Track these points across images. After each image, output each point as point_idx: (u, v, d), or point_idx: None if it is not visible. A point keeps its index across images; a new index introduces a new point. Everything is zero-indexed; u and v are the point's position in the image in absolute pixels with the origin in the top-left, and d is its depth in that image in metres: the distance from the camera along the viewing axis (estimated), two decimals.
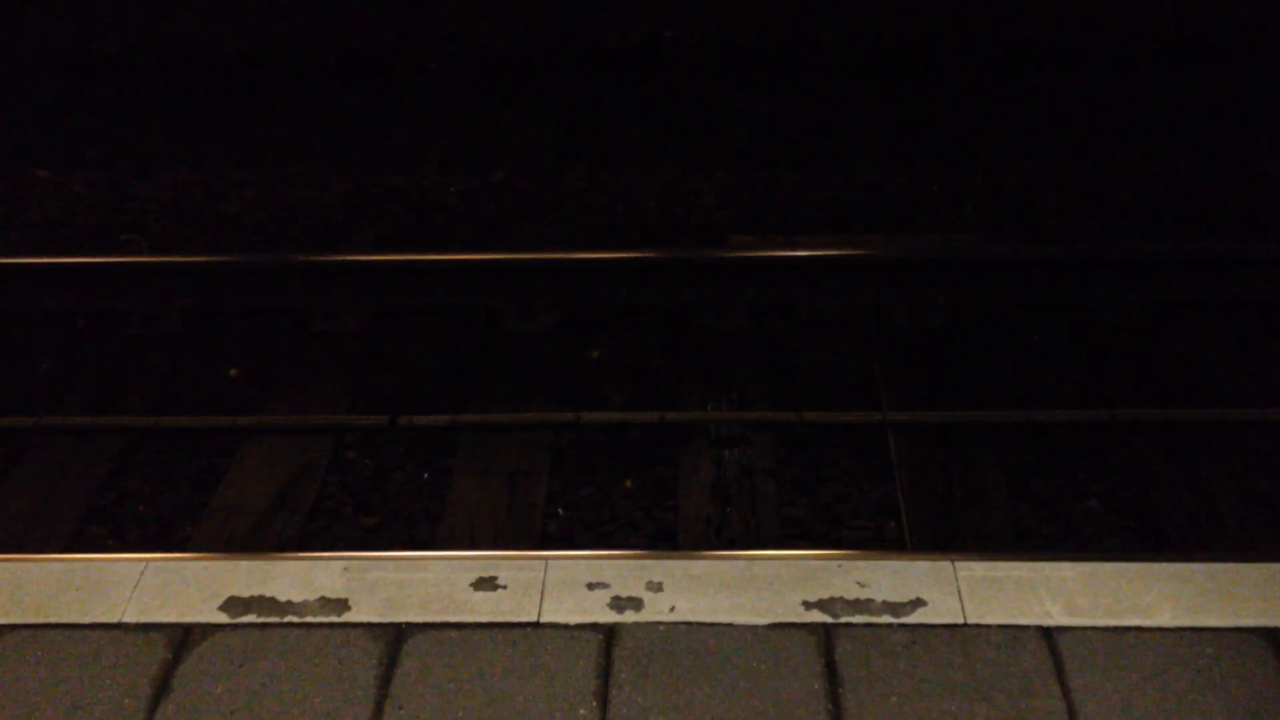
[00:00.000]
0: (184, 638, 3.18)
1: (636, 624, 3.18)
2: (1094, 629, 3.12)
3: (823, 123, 6.85)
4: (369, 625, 3.20)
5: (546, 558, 3.40)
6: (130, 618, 3.24)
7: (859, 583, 3.27)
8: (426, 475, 4.67)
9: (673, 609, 3.22)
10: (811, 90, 7.09)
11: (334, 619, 3.21)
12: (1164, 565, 3.30)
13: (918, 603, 3.21)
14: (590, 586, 3.30)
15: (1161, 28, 7.14)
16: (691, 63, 7.25)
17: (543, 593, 3.28)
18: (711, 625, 3.17)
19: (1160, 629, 3.11)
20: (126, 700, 3.02)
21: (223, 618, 3.23)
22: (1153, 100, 6.88)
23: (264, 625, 3.20)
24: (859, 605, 3.21)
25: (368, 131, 6.92)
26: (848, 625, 3.15)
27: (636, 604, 3.23)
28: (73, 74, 7.39)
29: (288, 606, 3.26)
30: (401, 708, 2.98)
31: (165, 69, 7.36)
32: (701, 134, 6.79)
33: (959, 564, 3.32)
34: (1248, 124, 6.68)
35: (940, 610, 3.19)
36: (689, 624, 3.17)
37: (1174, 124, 6.69)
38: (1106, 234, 5.83)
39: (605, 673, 3.05)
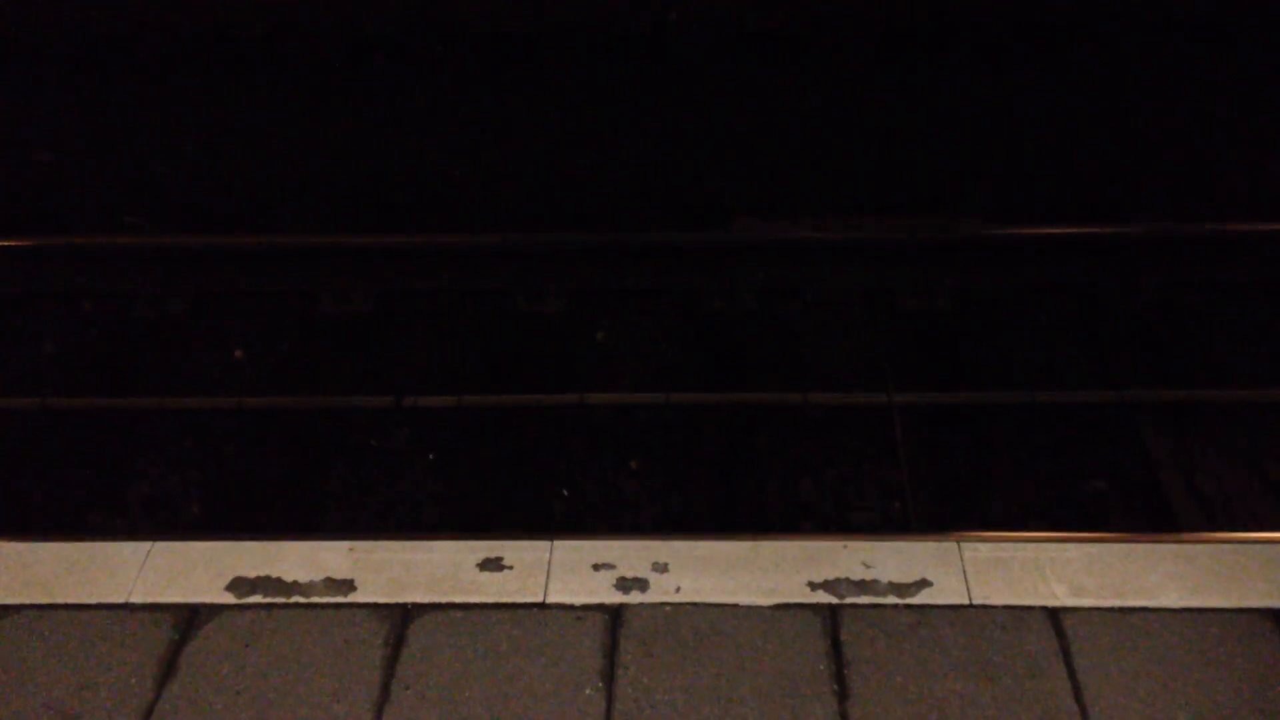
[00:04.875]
0: (190, 618, 3.18)
1: (642, 604, 3.18)
2: (1099, 610, 3.11)
3: (828, 104, 6.81)
4: (375, 606, 3.20)
5: (552, 539, 3.40)
6: (137, 598, 3.24)
7: (864, 563, 3.27)
8: (432, 456, 4.67)
9: (678, 589, 3.22)
10: (816, 72, 7.05)
11: (340, 599, 3.22)
12: (1170, 546, 3.29)
13: (923, 583, 3.21)
14: (596, 567, 3.30)
15: (1171, 9, 7.09)
16: (697, 44, 7.21)
17: (549, 573, 3.28)
18: (717, 606, 3.17)
19: (1166, 610, 3.11)
20: (133, 679, 3.02)
21: (229, 598, 3.23)
22: (1161, 81, 6.84)
23: (270, 605, 3.21)
24: (864, 586, 3.21)
25: (374, 113, 6.89)
26: (853, 606, 3.15)
27: (642, 585, 3.24)
28: (77, 56, 7.37)
29: (294, 587, 3.26)
30: (408, 687, 2.98)
31: (171, 51, 7.33)
32: (707, 116, 6.76)
33: (964, 544, 3.32)
34: (1257, 105, 6.63)
35: (945, 591, 3.18)
36: (695, 604, 3.17)
37: (1182, 105, 6.64)
38: (1114, 216, 5.80)
39: (611, 653, 3.05)
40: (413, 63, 7.24)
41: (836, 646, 3.04)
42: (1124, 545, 3.31)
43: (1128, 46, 7.04)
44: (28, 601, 3.24)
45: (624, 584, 3.24)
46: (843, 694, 2.93)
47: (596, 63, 7.17)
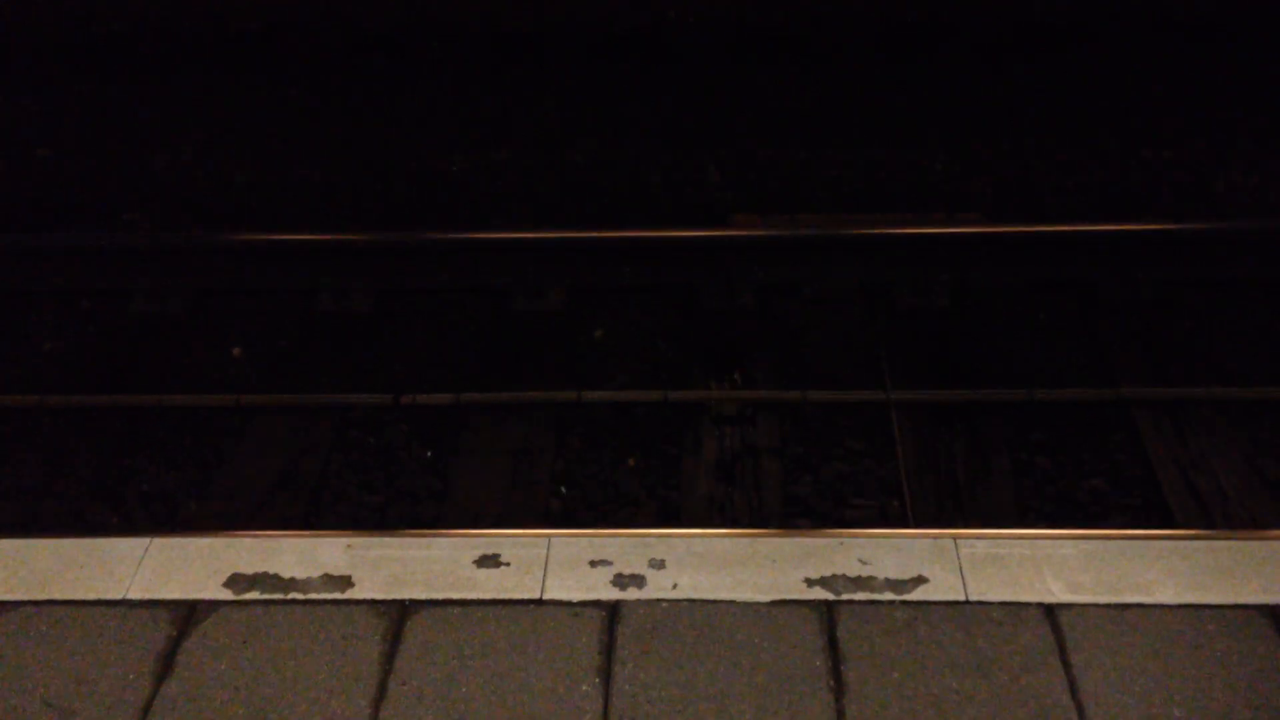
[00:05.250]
0: (188, 614, 3.19)
1: (639, 601, 3.18)
2: (1095, 606, 3.12)
3: (827, 101, 6.81)
4: (372, 602, 3.21)
5: (550, 535, 3.40)
6: (135, 594, 3.25)
7: (861, 560, 3.28)
8: (430, 454, 4.67)
9: (675, 586, 3.22)
10: (815, 69, 7.05)
11: (338, 596, 3.22)
12: (1166, 542, 3.30)
13: (919, 580, 3.21)
14: (593, 564, 3.30)
15: (1170, 8, 7.09)
16: (695, 41, 7.21)
17: (546, 570, 3.28)
18: (714, 602, 3.17)
19: (1162, 606, 3.11)
20: (131, 676, 3.03)
21: (227, 594, 3.24)
22: (1160, 79, 6.84)
23: (268, 602, 3.21)
24: (861, 582, 3.21)
25: (372, 110, 6.89)
26: (850, 602, 3.16)
27: (639, 581, 3.24)
28: (76, 53, 7.36)
29: (291, 583, 3.26)
30: (405, 684, 2.99)
31: (169, 48, 7.33)
32: (706, 113, 6.76)
33: (961, 541, 3.32)
34: (1255, 103, 6.63)
35: (942, 587, 3.19)
36: (691, 601, 3.18)
37: (1181, 103, 6.65)
38: (1111, 213, 5.80)
39: (608, 649, 3.06)
40: (411, 61, 7.24)
41: (833, 643, 3.05)
42: (1121, 542, 3.32)
43: (1127, 45, 7.05)
44: (26, 598, 3.25)
45: (621, 580, 3.25)
46: (839, 690, 2.93)
47: (595, 61, 7.17)
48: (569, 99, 6.93)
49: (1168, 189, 5.98)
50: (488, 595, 3.21)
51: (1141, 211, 5.82)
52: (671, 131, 6.62)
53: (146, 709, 2.95)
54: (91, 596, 3.25)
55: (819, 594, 3.18)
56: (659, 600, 3.18)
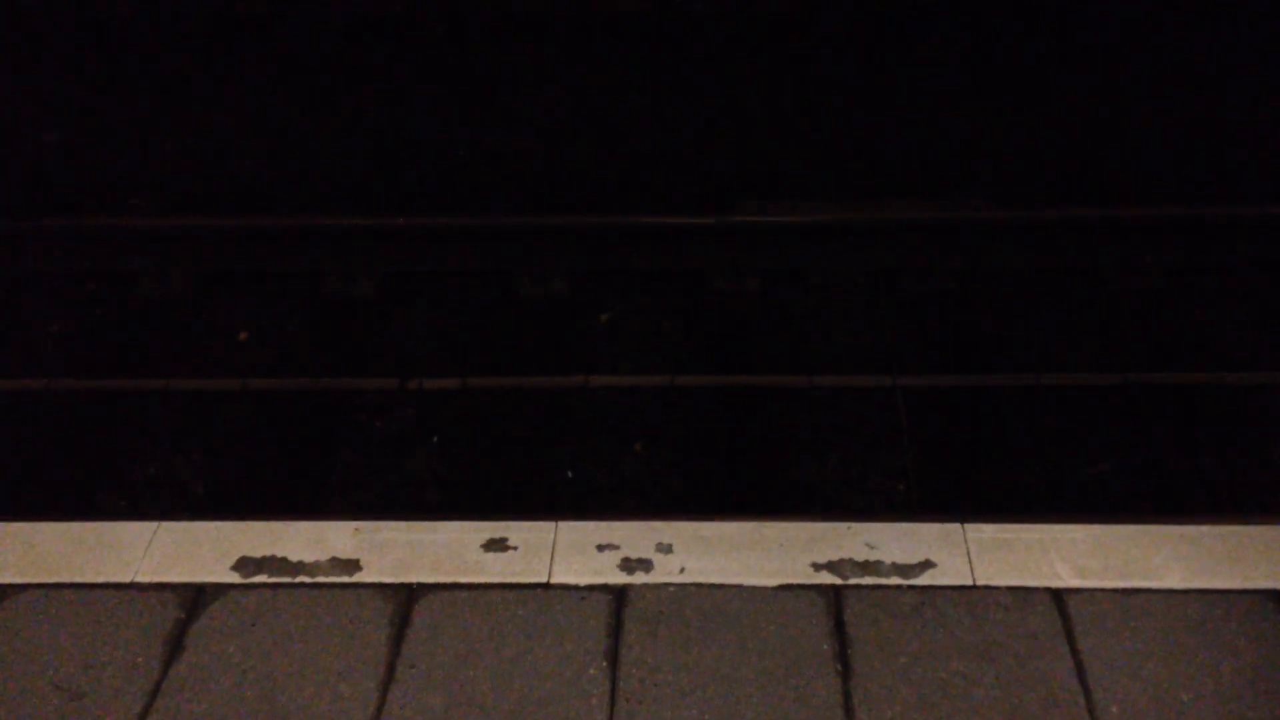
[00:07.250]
0: (197, 597, 3.20)
1: (646, 585, 3.19)
2: (1103, 591, 3.12)
3: (834, 85, 6.79)
4: (380, 585, 3.21)
5: (557, 520, 3.41)
6: (143, 577, 3.26)
7: (868, 544, 3.28)
8: (436, 438, 4.68)
9: (682, 570, 3.23)
10: (823, 53, 7.03)
11: (345, 579, 3.23)
12: (1174, 528, 3.29)
13: (927, 564, 3.21)
14: (600, 548, 3.30)
15: None
16: (702, 25, 7.19)
17: (553, 554, 3.29)
18: (721, 586, 3.18)
19: (1169, 591, 3.11)
20: (140, 658, 3.04)
21: (235, 577, 3.25)
22: (1165, 62, 6.81)
23: (276, 585, 3.22)
24: (868, 567, 3.21)
25: (377, 93, 6.88)
26: (857, 586, 3.16)
27: (646, 565, 3.24)
28: (81, 36, 7.36)
29: (299, 567, 3.27)
30: (413, 667, 2.99)
31: (174, 30, 7.32)
32: (712, 97, 6.74)
33: (968, 526, 3.32)
34: (1265, 84, 6.60)
35: (949, 572, 3.19)
36: (699, 585, 3.18)
37: (1187, 86, 6.62)
38: (1119, 197, 5.78)
39: (616, 633, 3.06)
40: (417, 44, 7.22)
41: (840, 627, 3.05)
42: (1128, 527, 3.31)
43: (1134, 27, 7.02)
44: (34, 581, 3.26)
45: (628, 564, 3.25)
46: (846, 673, 2.94)
47: (602, 42, 7.15)
48: (575, 83, 6.90)
49: (1176, 171, 5.96)
50: (495, 579, 3.22)
51: (1149, 195, 5.79)
52: (678, 116, 6.60)
53: (155, 691, 2.97)
54: (100, 579, 3.26)
55: (826, 578, 3.19)
56: (666, 584, 3.19)
